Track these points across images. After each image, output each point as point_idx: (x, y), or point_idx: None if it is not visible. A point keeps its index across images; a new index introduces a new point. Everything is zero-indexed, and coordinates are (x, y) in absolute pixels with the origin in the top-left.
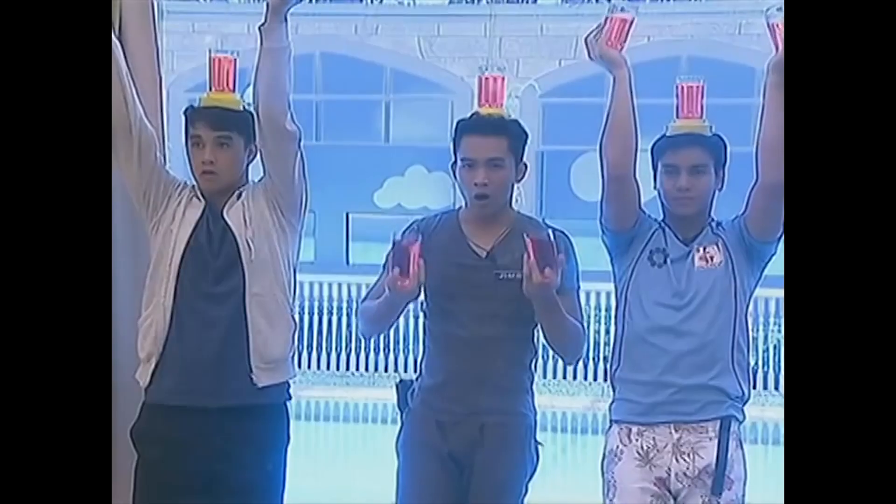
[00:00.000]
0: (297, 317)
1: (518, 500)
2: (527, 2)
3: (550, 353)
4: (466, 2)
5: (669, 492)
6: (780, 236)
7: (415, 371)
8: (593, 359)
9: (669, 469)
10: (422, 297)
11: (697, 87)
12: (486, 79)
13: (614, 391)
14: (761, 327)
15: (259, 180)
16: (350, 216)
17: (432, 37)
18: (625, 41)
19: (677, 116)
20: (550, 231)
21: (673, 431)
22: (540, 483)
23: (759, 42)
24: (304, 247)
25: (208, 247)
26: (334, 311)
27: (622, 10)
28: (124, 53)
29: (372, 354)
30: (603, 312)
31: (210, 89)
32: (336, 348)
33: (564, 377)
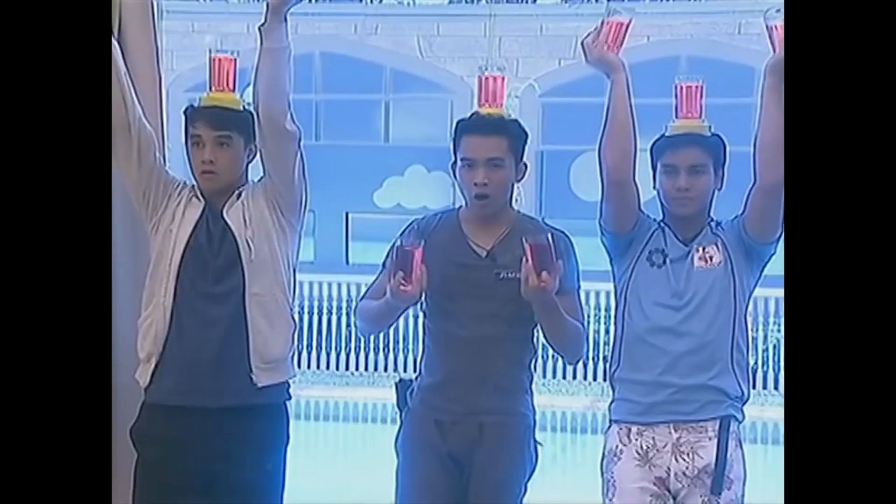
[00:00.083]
0: (296, 316)
1: (517, 499)
2: (526, 2)
3: (550, 352)
4: (466, 1)
5: (669, 491)
6: (779, 237)
7: (414, 370)
8: (593, 358)
9: (669, 469)
10: (422, 296)
11: (696, 86)
12: (486, 78)
13: (614, 391)
14: (761, 327)
15: (259, 180)
16: (350, 216)
17: (432, 36)
18: (621, 44)
19: (676, 116)
20: (550, 234)
21: (672, 431)
22: (539, 482)
23: (758, 42)
24: (303, 246)
25: (208, 246)
26: (334, 310)
27: (617, 13)
28: (124, 53)
29: (371, 354)
30: (603, 312)
31: (210, 89)
32: (336, 348)
33: (564, 377)
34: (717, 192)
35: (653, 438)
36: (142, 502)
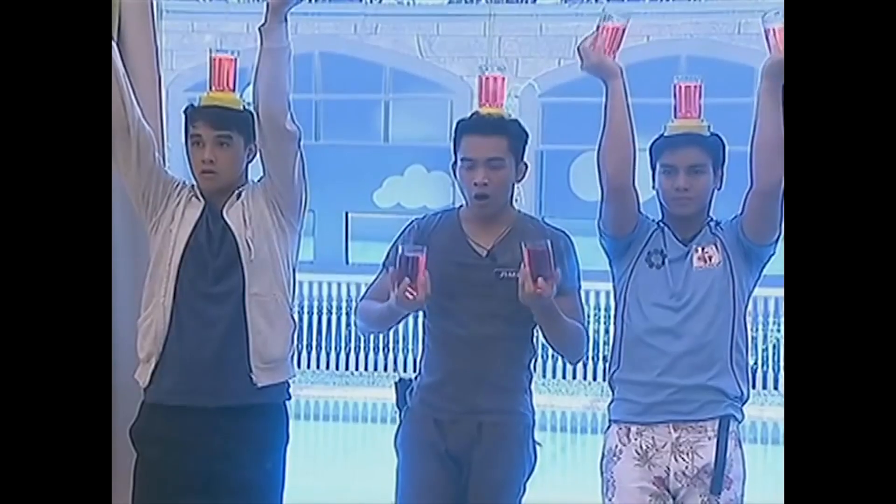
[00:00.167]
0: (296, 316)
1: (516, 499)
2: (526, 1)
3: (550, 352)
4: (466, 1)
5: (668, 491)
6: (778, 239)
7: (414, 370)
8: (592, 358)
9: (668, 468)
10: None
11: (695, 86)
12: (487, 78)
13: (613, 391)
14: (761, 327)
15: (259, 180)
16: (349, 215)
17: (431, 36)
18: (617, 49)
19: (675, 116)
20: (548, 241)
21: (672, 431)
22: (539, 482)
23: (758, 41)
24: (303, 246)
25: (208, 246)
26: (333, 310)
27: (611, 18)
28: (124, 53)
29: (371, 354)
30: (602, 312)
31: (210, 88)
32: (335, 348)
33: (564, 377)
34: (716, 191)
35: (652, 438)
36: (141, 502)
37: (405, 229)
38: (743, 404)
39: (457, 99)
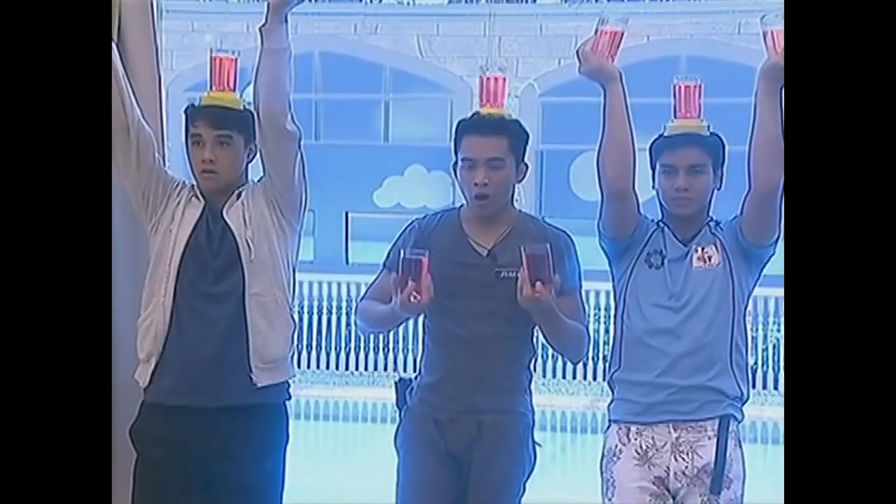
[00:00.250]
0: (296, 316)
1: (516, 499)
2: (526, 1)
3: (550, 351)
4: (466, 1)
5: (668, 491)
6: (777, 240)
7: (414, 370)
8: (592, 358)
9: (668, 468)
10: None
11: (695, 86)
12: (488, 79)
13: (613, 391)
14: (761, 326)
15: (259, 180)
16: (349, 215)
17: (432, 36)
18: (616, 53)
19: (675, 116)
20: (548, 245)
21: (672, 430)
22: (539, 482)
23: (758, 41)
24: (303, 246)
25: (208, 246)
26: (333, 310)
27: (610, 21)
28: (124, 52)
29: (371, 353)
30: (602, 312)
31: (211, 88)
32: (335, 347)
33: (564, 376)
34: (716, 191)
35: (652, 438)
36: (141, 502)
37: (406, 229)
38: (743, 404)
39: (457, 99)
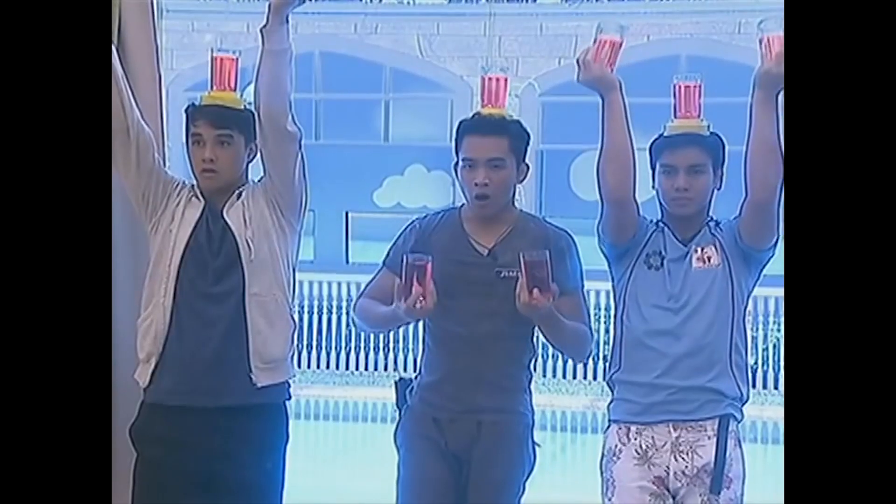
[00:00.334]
0: (296, 316)
1: (516, 498)
2: (526, 1)
3: (550, 351)
4: (466, 1)
5: (668, 490)
6: (776, 243)
7: (414, 370)
8: (592, 358)
9: (668, 468)
10: None
11: (695, 86)
12: (489, 79)
13: (612, 391)
14: (761, 326)
15: (259, 180)
16: (350, 215)
17: (432, 36)
18: (614, 63)
19: (675, 116)
20: (547, 251)
21: (671, 430)
22: (539, 482)
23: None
24: (303, 246)
25: (208, 246)
26: (334, 310)
27: (609, 30)
28: (124, 52)
29: (371, 353)
30: (602, 312)
31: (211, 88)
32: (335, 347)
33: (564, 376)
34: (716, 191)
35: (652, 437)
36: (141, 501)
37: (406, 228)
38: (743, 405)
39: (457, 98)
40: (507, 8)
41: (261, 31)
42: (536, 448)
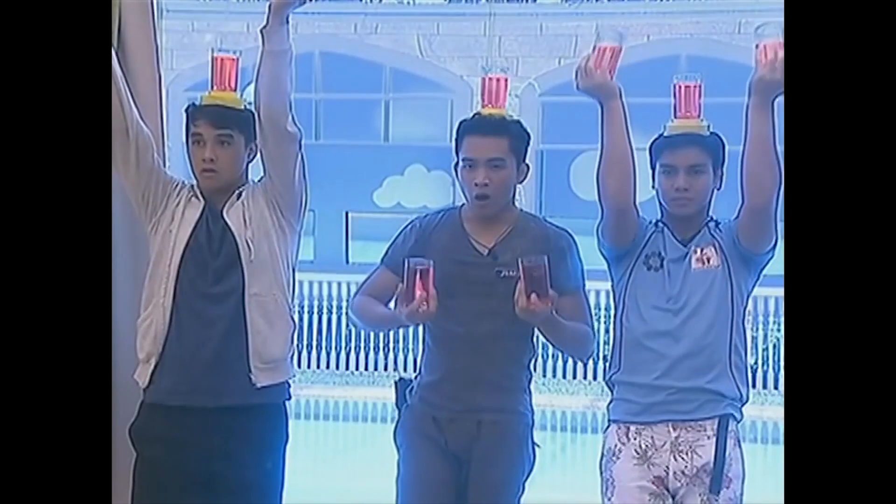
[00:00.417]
0: (296, 317)
1: (515, 498)
2: (526, 1)
3: (550, 351)
4: (466, 1)
5: (668, 490)
6: (774, 246)
7: (414, 370)
8: (593, 358)
9: (668, 467)
10: None
11: (695, 86)
12: (489, 79)
13: (612, 391)
14: (761, 326)
15: (259, 180)
16: (349, 215)
17: (432, 35)
18: (614, 70)
19: (675, 116)
20: (545, 257)
21: (671, 430)
22: (539, 481)
23: None
24: (303, 246)
25: (208, 247)
26: (334, 309)
27: (608, 37)
28: (124, 52)
29: (371, 353)
30: (602, 311)
31: (212, 88)
32: (335, 347)
33: (564, 376)
34: (716, 191)
35: (651, 437)
36: (141, 501)
37: (406, 227)
38: (742, 405)
39: (457, 98)
40: (507, 8)
41: (261, 31)
42: (536, 448)
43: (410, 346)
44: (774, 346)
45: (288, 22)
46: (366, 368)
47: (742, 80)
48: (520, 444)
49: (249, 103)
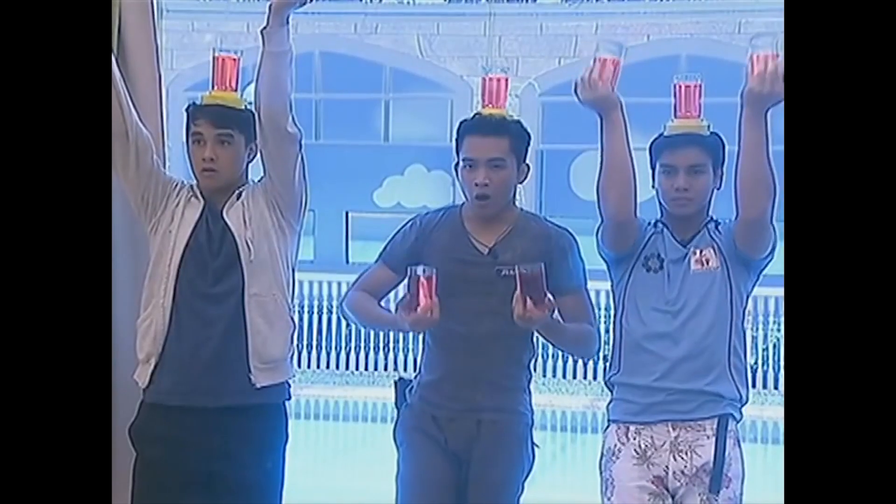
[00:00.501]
0: (295, 317)
1: (515, 498)
2: (526, 1)
3: (550, 351)
4: (466, 1)
5: (667, 490)
6: (773, 250)
7: (414, 370)
8: (593, 358)
9: (667, 467)
10: None
11: (695, 86)
12: (490, 79)
13: (612, 392)
14: (761, 326)
15: (259, 181)
16: (350, 215)
17: (432, 35)
18: (615, 82)
19: (675, 116)
20: (542, 265)
21: (670, 430)
22: (539, 481)
23: None
24: (303, 245)
25: (208, 247)
26: (334, 309)
27: (608, 49)
28: (124, 52)
29: (371, 353)
30: (602, 311)
31: (212, 87)
32: (335, 347)
33: (564, 376)
34: (716, 191)
35: (651, 437)
36: (141, 501)
37: (406, 224)
38: (742, 406)
39: (457, 98)
40: (507, 8)
41: (261, 32)
42: (535, 449)
43: (410, 346)
44: (774, 346)
45: (288, 23)
46: (366, 368)
47: (742, 80)
48: (519, 444)
49: (250, 103)
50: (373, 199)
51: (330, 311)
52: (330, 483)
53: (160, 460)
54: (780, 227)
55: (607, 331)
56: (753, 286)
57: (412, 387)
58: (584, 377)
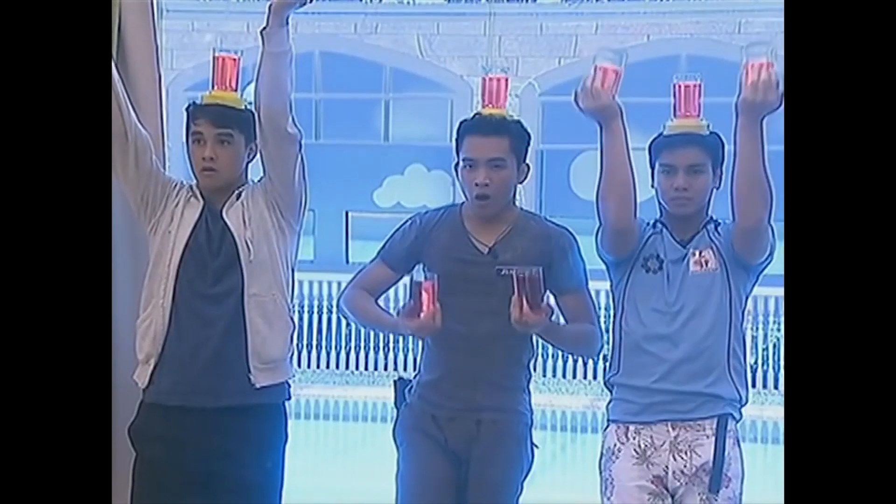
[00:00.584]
0: (295, 317)
1: (514, 497)
2: (526, 1)
3: (550, 351)
4: (466, 1)
5: (667, 489)
6: (771, 254)
7: (414, 370)
8: (593, 358)
9: (667, 467)
10: None
11: (695, 86)
12: (490, 79)
13: (611, 392)
14: (761, 326)
15: (259, 181)
16: (349, 215)
17: (432, 35)
18: (616, 91)
19: (674, 116)
20: (540, 269)
21: (670, 429)
22: (539, 481)
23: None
24: (303, 245)
25: (207, 247)
26: (333, 309)
27: (608, 58)
28: (124, 52)
29: (371, 353)
30: (602, 311)
31: (213, 87)
32: (335, 347)
33: (564, 376)
34: (715, 190)
35: (651, 437)
36: (140, 501)
37: (406, 223)
38: (742, 406)
39: (457, 98)
40: (507, 8)
41: (261, 32)
42: (535, 449)
43: (410, 346)
44: (774, 346)
45: (288, 23)
46: (366, 368)
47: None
48: (519, 444)
49: (250, 103)
50: (373, 198)
51: (330, 311)
52: (330, 483)
53: (160, 460)
54: (779, 227)
55: (607, 331)
56: (753, 287)
57: (412, 386)
58: (584, 377)
